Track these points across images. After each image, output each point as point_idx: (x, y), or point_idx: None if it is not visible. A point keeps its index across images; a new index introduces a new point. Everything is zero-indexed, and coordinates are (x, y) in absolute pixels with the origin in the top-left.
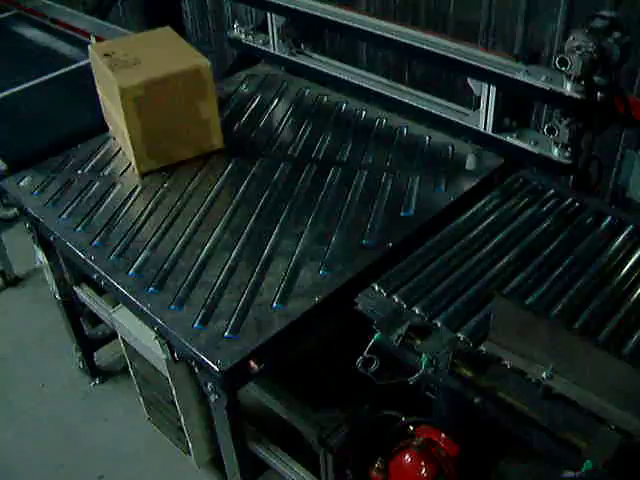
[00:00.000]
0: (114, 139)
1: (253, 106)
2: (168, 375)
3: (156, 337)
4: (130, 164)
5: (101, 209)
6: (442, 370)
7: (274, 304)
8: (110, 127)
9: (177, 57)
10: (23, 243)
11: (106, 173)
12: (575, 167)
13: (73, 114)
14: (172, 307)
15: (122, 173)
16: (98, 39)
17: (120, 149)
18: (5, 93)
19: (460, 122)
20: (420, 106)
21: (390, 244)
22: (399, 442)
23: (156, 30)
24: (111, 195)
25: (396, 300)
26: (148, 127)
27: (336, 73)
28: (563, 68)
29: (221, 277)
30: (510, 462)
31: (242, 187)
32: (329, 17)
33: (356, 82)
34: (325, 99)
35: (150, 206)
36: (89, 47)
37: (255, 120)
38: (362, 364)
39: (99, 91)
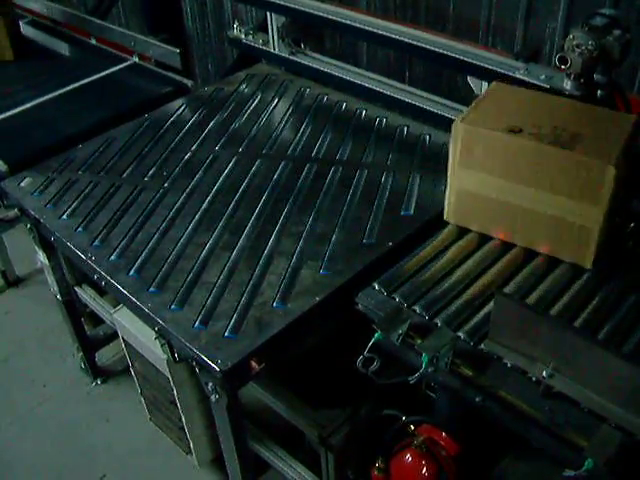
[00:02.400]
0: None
1: (253, 106)
2: (169, 375)
3: (157, 337)
4: (130, 164)
5: (102, 209)
6: (443, 369)
7: (274, 304)
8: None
9: (598, 117)
10: (24, 244)
11: (106, 174)
12: None
13: (74, 114)
14: (172, 307)
15: (122, 174)
16: (98, 40)
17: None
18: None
19: None
20: (420, 105)
21: (390, 243)
22: (400, 441)
23: (496, 87)
24: (112, 196)
25: (396, 299)
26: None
27: (336, 72)
28: (563, 66)
29: (221, 277)
30: (511, 461)
31: (242, 186)
32: (329, 16)
33: (356, 81)
34: (325, 98)
35: (150, 206)
36: (455, 125)
37: (255, 120)
38: (363, 363)
39: (471, 182)
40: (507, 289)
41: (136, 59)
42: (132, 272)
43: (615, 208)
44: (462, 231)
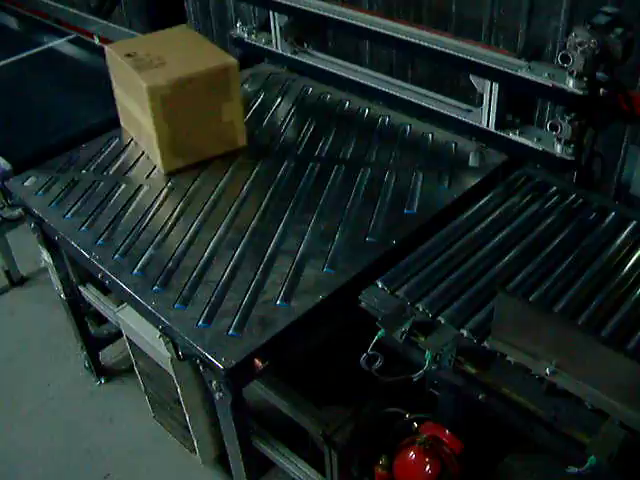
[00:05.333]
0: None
1: (256, 105)
2: (173, 373)
3: (161, 336)
4: (134, 164)
5: (105, 209)
6: (446, 367)
7: (278, 302)
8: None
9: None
10: (28, 243)
11: (110, 173)
12: (578, 163)
13: (78, 114)
14: (176, 306)
15: (126, 173)
16: (102, 40)
17: (125, 149)
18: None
19: (463, 119)
20: (423, 104)
21: (394, 242)
22: (403, 439)
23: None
24: (115, 195)
25: (400, 297)
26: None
27: (339, 71)
28: (565, 64)
29: (225, 275)
30: (514, 458)
31: (246, 185)
32: (332, 15)
33: (359, 80)
34: (328, 97)
35: (154, 205)
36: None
37: (258, 119)
38: (366, 361)
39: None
40: (509, 287)
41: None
42: (136, 271)
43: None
44: None
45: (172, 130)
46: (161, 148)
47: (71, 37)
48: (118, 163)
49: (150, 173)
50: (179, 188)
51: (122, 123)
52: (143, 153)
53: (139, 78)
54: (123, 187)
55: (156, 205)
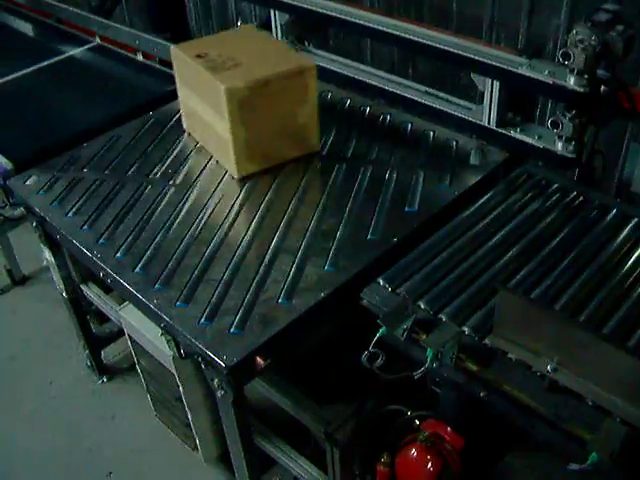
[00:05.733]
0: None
1: None
2: (175, 372)
3: (162, 334)
4: (135, 164)
5: (107, 207)
6: (447, 364)
7: (279, 300)
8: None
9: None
10: (30, 242)
11: (111, 172)
12: (579, 161)
13: (79, 113)
14: (178, 304)
15: (127, 172)
16: (103, 38)
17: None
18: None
19: (464, 117)
20: (424, 101)
21: (395, 239)
22: (405, 436)
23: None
24: (117, 193)
25: (401, 295)
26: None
27: (340, 69)
28: (566, 62)
29: (226, 273)
30: (515, 455)
31: (248, 183)
32: (333, 14)
33: (360, 78)
34: (329, 96)
35: (155, 203)
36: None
37: None
38: (367, 359)
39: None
40: (510, 284)
41: (140, 57)
42: (138, 269)
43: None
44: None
45: (248, 134)
46: (236, 152)
47: (92, 45)
48: (119, 162)
49: (151, 172)
50: (181, 186)
51: (185, 126)
52: (145, 152)
53: (215, 80)
54: (124, 186)
55: (157, 203)
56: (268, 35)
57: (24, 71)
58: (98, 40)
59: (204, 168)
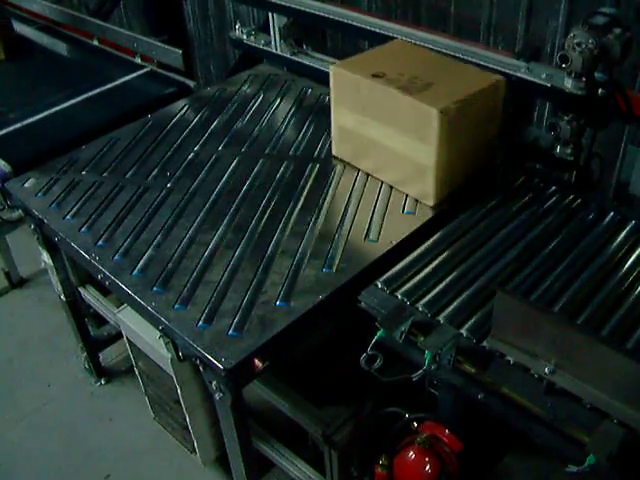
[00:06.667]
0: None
1: (256, 106)
2: (173, 374)
3: (161, 336)
4: (134, 166)
5: (105, 210)
6: (445, 366)
7: (278, 302)
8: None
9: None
10: (28, 244)
11: (110, 174)
12: (577, 163)
13: (77, 116)
14: (176, 306)
15: (125, 174)
16: (101, 41)
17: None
18: None
19: None
20: None
21: (393, 242)
22: (403, 438)
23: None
24: (115, 196)
25: (399, 297)
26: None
27: None
28: (564, 65)
29: (225, 276)
30: (513, 457)
31: (245, 186)
32: (330, 16)
33: None
34: (327, 98)
35: (154, 206)
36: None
37: (258, 120)
38: (366, 361)
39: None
40: (508, 287)
41: (139, 60)
42: (136, 272)
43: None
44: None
45: (449, 157)
46: (437, 178)
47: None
48: (117, 165)
49: (149, 175)
50: (179, 189)
51: (335, 150)
52: (143, 154)
53: (419, 102)
54: (123, 188)
55: (156, 206)
56: (424, 49)
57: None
58: (96, 42)
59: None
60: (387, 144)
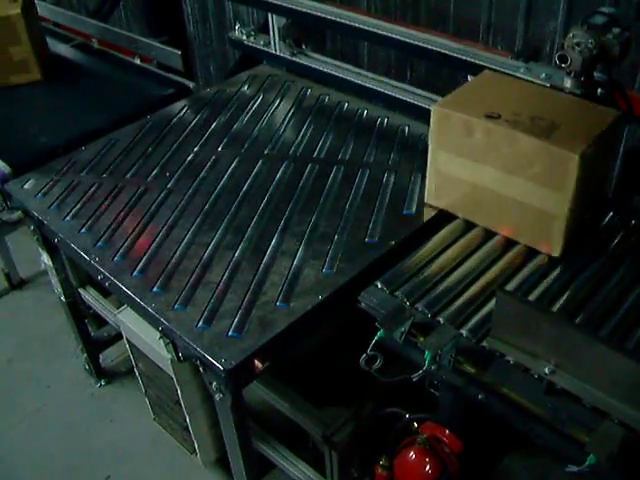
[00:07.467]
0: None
1: (255, 106)
2: (173, 375)
3: (160, 337)
4: (133, 167)
5: (105, 211)
6: (445, 367)
7: (277, 303)
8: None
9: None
10: (28, 246)
11: (109, 175)
12: None
13: (76, 116)
14: (176, 307)
15: (125, 175)
16: (101, 43)
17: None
18: None
19: None
20: (421, 104)
21: (393, 242)
22: (403, 439)
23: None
24: (115, 197)
25: (399, 297)
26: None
27: (337, 73)
28: (563, 65)
29: (224, 277)
30: (514, 457)
31: (245, 187)
32: (330, 17)
33: (357, 81)
34: (327, 99)
35: (153, 207)
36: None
37: (257, 120)
38: (366, 361)
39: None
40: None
41: (138, 61)
42: (136, 272)
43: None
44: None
45: (579, 203)
46: (566, 226)
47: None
48: (117, 166)
49: (149, 176)
50: (178, 190)
51: (430, 197)
52: (142, 155)
53: (552, 146)
54: (122, 189)
55: (155, 207)
56: (516, 79)
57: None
58: (96, 44)
59: None
60: (503, 192)
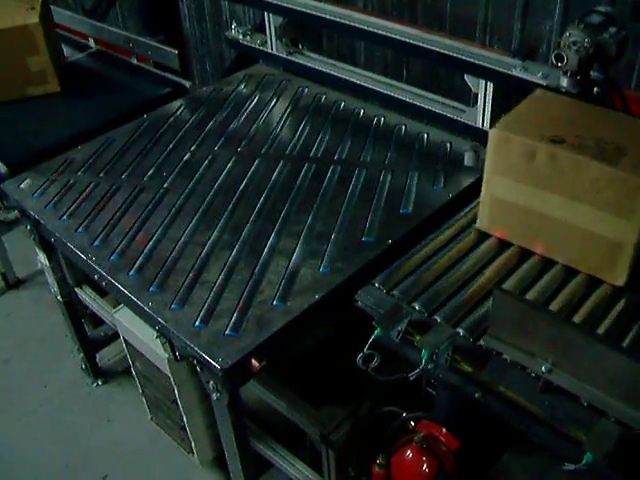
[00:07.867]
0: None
1: (252, 106)
2: (170, 374)
3: (157, 336)
4: (130, 166)
5: (101, 210)
6: (442, 365)
7: (274, 302)
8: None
9: (629, 127)
10: (24, 245)
11: (106, 175)
12: None
13: (72, 116)
14: (173, 306)
15: (121, 174)
16: (97, 41)
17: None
18: None
19: (458, 119)
20: (418, 103)
21: (389, 241)
22: (400, 438)
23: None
24: (111, 196)
25: (396, 296)
26: None
27: (334, 72)
28: (559, 64)
29: (221, 276)
30: (511, 456)
31: (241, 186)
32: (326, 16)
33: (354, 80)
34: (323, 98)
35: (150, 206)
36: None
37: (254, 120)
38: (362, 360)
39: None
40: (505, 285)
41: (135, 60)
42: (132, 272)
43: None
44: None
45: None
46: (634, 255)
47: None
48: (113, 165)
49: (145, 175)
50: (175, 189)
51: (483, 222)
52: (139, 155)
53: (623, 173)
54: (119, 189)
55: (152, 206)
56: (566, 97)
57: None
58: (92, 44)
59: None
60: (566, 219)
